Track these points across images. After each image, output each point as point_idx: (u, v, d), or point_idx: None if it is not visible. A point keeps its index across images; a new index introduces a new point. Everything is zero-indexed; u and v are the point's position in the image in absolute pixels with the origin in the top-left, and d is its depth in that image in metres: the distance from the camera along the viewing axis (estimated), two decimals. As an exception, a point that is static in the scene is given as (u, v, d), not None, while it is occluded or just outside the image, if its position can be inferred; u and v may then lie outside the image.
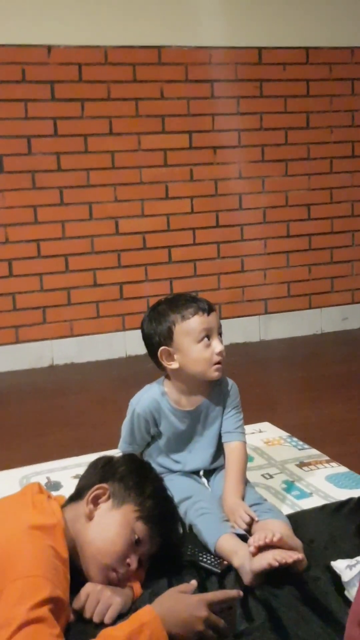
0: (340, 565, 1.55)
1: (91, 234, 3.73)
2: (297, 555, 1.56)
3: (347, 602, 1.47)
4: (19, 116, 3.54)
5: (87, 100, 3.64)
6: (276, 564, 1.52)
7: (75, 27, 3.57)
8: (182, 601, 1.35)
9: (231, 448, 1.94)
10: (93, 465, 1.66)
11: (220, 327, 1.91)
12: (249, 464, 2.23)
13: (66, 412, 3.04)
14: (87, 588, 1.48)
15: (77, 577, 1.48)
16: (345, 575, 1.51)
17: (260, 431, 2.62)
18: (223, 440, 1.96)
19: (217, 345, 1.87)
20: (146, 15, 3.67)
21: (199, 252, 3.94)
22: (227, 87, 3.87)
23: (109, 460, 1.65)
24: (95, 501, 1.54)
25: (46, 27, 3.52)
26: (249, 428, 2.51)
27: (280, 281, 4.13)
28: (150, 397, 1.94)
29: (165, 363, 1.89)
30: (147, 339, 1.92)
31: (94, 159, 3.69)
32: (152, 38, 3.69)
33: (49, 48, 3.54)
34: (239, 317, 4.04)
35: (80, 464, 2.25)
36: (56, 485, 2.21)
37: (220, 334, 1.90)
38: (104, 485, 1.56)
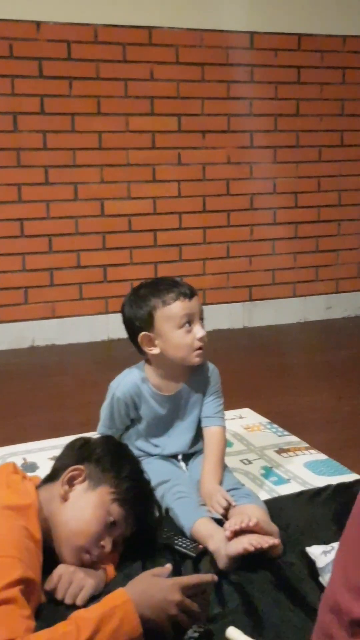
0: (315, 551, 1.55)
1: (76, 215, 3.69)
2: (273, 541, 1.55)
3: (321, 588, 1.46)
4: (5, 92, 3.49)
5: (75, 78, 3.59)
6: (251, 548, 1.51)
7: (65, 4, 3.52)
8: (156, 584, 1.33)
9: (210, 433, 1.93)
10: (70, 447, 1.64)
11: (202, 312, 1.88)
12: (228, 449, 2.22)
13: (46, 393, 3.01)
14: (60, 569, 1.47)
15: (51, 559, 1.46)
16: (320, 561, 1.51)
17: (241, 417, 2.61)
18: (202, 424, 1.95)
19: (198, 331, 1.85)
20: (138, -5, 3.62)
21: (185, 237, 3.91)
22: (218, 71, 3.83)
23: (86, 441, 1.63)
24: (71, 482, 1.52)
25: (36, 3, 3.46)
26: (229, 414, 2.50)
27: (266, 268, 4.11)
28: (130, 381, 1.92)
29: (146, 348, 1.87)
30: (128, 324, 1.90)
31: (81, 138, 3.64)
32: (143, 18, 3.65)
33: (38, 24, 3.49)
34: (223, 303, 4.03)
35: (57, 445, 2.22)
36: (32, 467, 2.20)
37: (202, 319, 1.88)
38: (80, 466, 1.54)
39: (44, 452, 2.28)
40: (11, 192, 3.57)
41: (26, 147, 3.56)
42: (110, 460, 1.56)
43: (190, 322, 1.84)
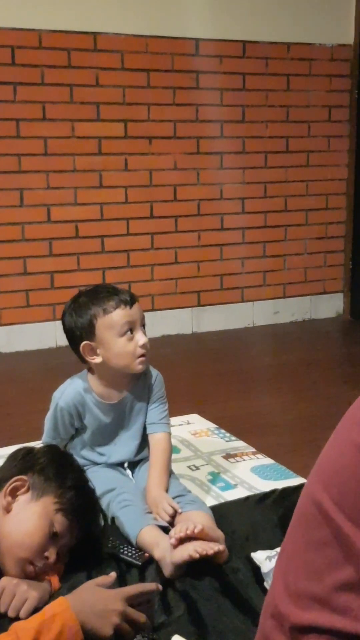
0: (260, 557, 1.55)
1: (22, 221, 3.65)
2: (218, 547, 1.55)
3: (266, 593, 1.46)
4: None
5: (20, 84, 3.55)
6: (197, 555, 1.51)
7: (9, 9, 3.48)
8: (98, 594, 1.32)
9: (156, 439, 1.92)
10: (12, 457, 1.61)
11: (143, 318, 1.88)
12: (175, 456, 2.22)
13: (-8, 402, 2.97)
14: (3, 582, 1.44)
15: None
16: (265, 567, 1.52)
17: (188, 423, 2.61)
18: (148, 431, 1.95)
19: (140, 338, 1.84)
20: (83, 1, 3.60)
21: (133, 243, 3.91)
22: (163, 77, 3.84)
23: (29, 451, 1.61)
24: (14, 493, 1.50)
25: (-22, 7, 3.42)
26: (177, 420, 2.51)
27: (214, 274, 4.13)
28: (73, 390, 1.90)
29: (88, 358, 1.86)
30: (69, 333, 1.88)
31: (26, 144, 3.61)
32: (88, 24, 3.63)
33: (-19, 28, 3.45)
34: (171, 309, 4.03)
35: (2, 455, 2.19)
36: (-23, 477, 2.15)
37: (143, 326, 1.87)
38: (23, 477, 1.52)
39: (-11, 463, 2.24)
40: None
41: (-30, 153, 3.51)
42: (54, 469, 1.54)
43: (132, 329, 1.83)
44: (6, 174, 3.58)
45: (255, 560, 1.56)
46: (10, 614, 1.41)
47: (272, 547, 1.59)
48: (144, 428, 1.95)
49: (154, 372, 1.97)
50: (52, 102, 3.63)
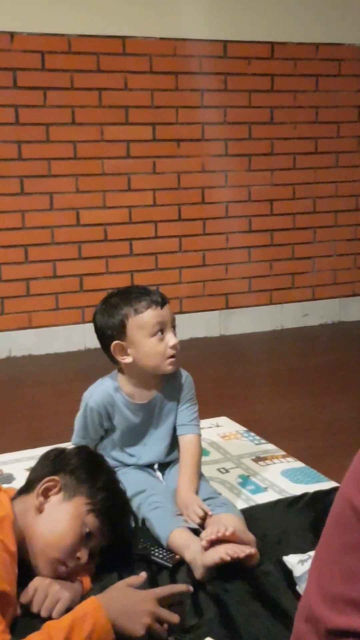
0: (292, 560, 1.54)
1: (52, 225, 3.68)
2: (249, 550, 1.55)
3: (298, 597, 1.46)
4: (-21, 103, 3.48)
5: (49, 89, 3.59)
6: (228, 558, 1.51)
7: (39, 15, 3.51)
8: (129, 594, 1.33)
9: (185, 441, 1.92)
10: (44, 457, 1.62)
11: (174, 319, 1.88)
12: (205, 458, 2.21)
13: (22, 404, 2.99)
14: (35, 582, 1.45)
15: (26, 571, 1.45)
16: (297, 570, 1.51)
17: (217, 425, 2.61)
18: (177, 433, 1.94)
19: (171, 339, 1.84)
20: (111, 5, 3.62)
21: (161, 245, 3.92)
22: (192, 79, 3.85)
23: (60, 452, 1.62)
24: (46, 493, 1.51)
25: (9, 14, 3.46)
26: (206, 422, 2.51)
27: (242, 276, 4.13)
28: (103, 390, 1.91)
29: (118, 357, 1.86)
30: (100, 333, 1.89)
31: (56, 148, 3.64)
32: (117, 28, 3.65)
33: (12, 35, 3.48)
34: (199, 311, 4.03)
35: (34, 456, 2.19)
36: (9, 478, 2.18)
37: (174, 327, 1.88)
38: (55, 477, 1.53)
39: (20, 463, 2.26)
40: (-14, 203, 3.56)
41: (1, 158, 3.55)
42: (86, 470, 1.55)
43: (162, 330, 1.83)
44: (36, 178, 3.61)
45: (287, 564, 1.55)
46: (43, 613, 1.41)
47: (304, 551, 1.57)
48: (174, 429, 1.95)
49: (184, 373, 1.97)
50: (81, 107, 3.65)
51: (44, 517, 1.49)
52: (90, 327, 1.94)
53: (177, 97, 3.83)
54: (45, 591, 1.43)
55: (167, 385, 1.93)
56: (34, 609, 1.42)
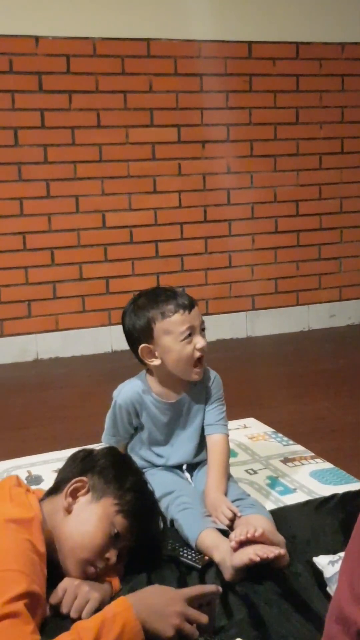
0: (322, 561, 1.53)
1: (77, 227, 3.70)
2: (279, 551, 1.53)
3: (329, 598, 1.44)
4: (5, 107, 3.51)
5: (74, 92, 3.60)
6: (257, 559, 1.50)
7: (63, 18, 3.54)
8: (159, 594, 1.32)
9: (213, 441, 1.91)
10: (72, 458, 1.63)
11: (202, 322, 1.87)
12: (233, 460, 2.21)
13: (49, 406, 3.00)
14: (65, 583, 1.45)
15: (55, 572, 1.45)
16: (327, 572, 1.49)
17: (245, 427, 2.60)
18: (205, 433, 1.94)
19: (199, 341, 1.83)
20: (135, 7, 3.64)
21: (187, 247, 3.91)
22: (216, 81, 3.84)
23: (88, 453, 1.62)
24: (74, 494, 1.51)
25: (34, 18, 3.48)
26: (233, 423, 2.50)
27: (268, 277, 4.11)
28: (131, 388, 1.91)
29: (146, 360, 1.86)
30: (128, 335, 1.89)
31: (81, 151, 3.65)
32: (141, 30, 3.66)
33: (37, 39, 3.51)
34: (226, 313, 4.02)
35: (61, 458, 2.19)
36: (37, 479, 2.19)
37: (203, 330, 1.87)
38: (83, 478, 1.53)
39: (48, 465, 2.27)
40: (13, 206, 3.58)
41: (27, 161, 3.57)
42: (114, 471, 1.55)
43: (190, 334, 1.83)
44: (62, 181, 3.63)
45: (317, 564, 1.54)
46: (73, 614, 1.41)
47: (334, 552, 1.56)
48: (202, 430, 1.94)
49: (213, 373, 1.96)
50: (107, 109, 3.67)
51: (73, 518, 1.49)
52: (116, 329, 1.95)
53: (202, 99, 3.83)
54: (74, 592, 1.43)
55: (195, 385, 1.93)
56: (64, 609, 1.42)
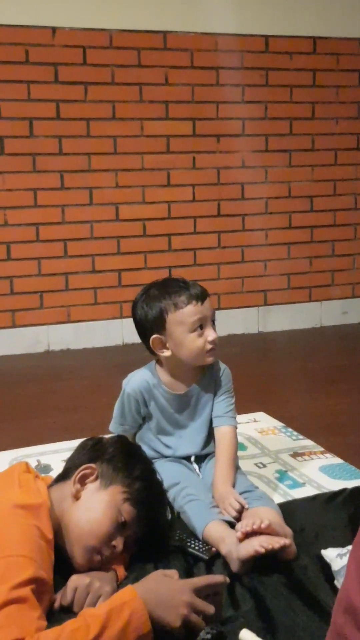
0: (330, 554, 1.52)
1: (91, 220, 3.70)
2: (284, 541, 1.52)
3: (336, 592, 1.43)
4: (21, 98, 3.51)
5: (90, 83, 3.60)
6: (262, 550, 1.49)
7: (80, 10, 3.53)
8: (166, 584, 1.32)
9: (221, 433, 1.91)
10: (82, 446, 1.63)
11: (213, 314, 1.87)
12: (242, 453, 2.20)
13: (60, 397, 3.01)
14: (74, 582, 1.42)
15: (62, 558, 1.45)
16: (336, 564, 1.48)
17: (255, 420, 2.59)
18: (214, 424, 1.93)
19: (210, 334, 1.83)
20: (152, 0, 3.62)
21: (200, 241, 3.90)
22: (233, 74, 3.83)
23: (98, 440, 1.63)
24: (83, 481, 1.51)
25: (51, 9, 3.48)
26: (243, 417, 2.49)
27: (281, 273, 4.09)
28: (140, 377, 1.91)
29: (157, 351, 1.86)
30: (139, 324, 1.89)
31: (96, 143, 3.65)
32: (158, 23, 3.65)
33: (54, 30, 3.50)
34: (238, 307, 4.01)
35: (71, 448, 2.18)
36: (46, 469, 2.19)
37: (213, 321, 1.86)
38: (92, 465, 1.53)
39: (57, 454, 2.27)
40: (27, 197, 3.58)
41: (42, 152, 3.57)
42: (123, 459, 1.55)
43: (202, 325, 1.82)
44: (76, 173, 3.63)
45: (325, 557, 1.53)
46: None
47: (342, 545, 1.55)
48: (211, 422, 1.94)
49: (222, 365, 1.96)
50: (122, 102, 3.66)
51: (81, 504, 1.49)
52: (128, 322, 1.95)
53: (218, 92, 3.82)
54: (86, 590, 1.40)
55: (204, 377, 1.92)
56: (76, 609, 1.38)
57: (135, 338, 1.95)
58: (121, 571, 1.51)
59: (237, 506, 1.70)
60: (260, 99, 3.90)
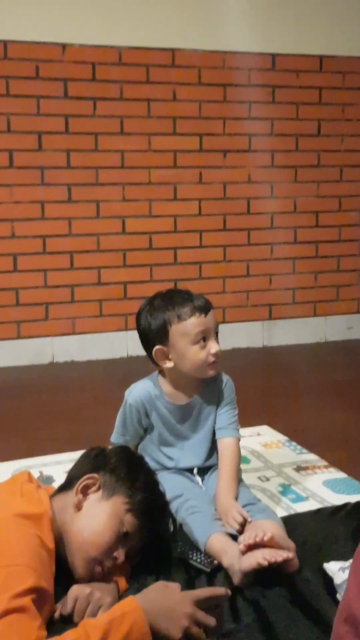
0: (333, 568, 1.52)
1: (97, 232, 3.72)
2: (287, 554, 1.52)
3: (338, 605, 1.43)
4: (31, 112, 3.54)
5: (99, 99, 3.64)
6: (265, 563, 1.49)
7: (90, 27, 3.57)
8: (167, 595, 1.31)
9: (224, 445, 1.90)
10: (85, 456, 1.63)
11: (217, 326, 1.87)
12: (245, 466, 2.20)
13: (64, 408, 3.01)
14: (75, 592, 1.41)
15: (63, 569, 1.44)
16: (338, 578, 1.48)
17: (259, 434, 2.59)
18: (216, 436, 1.93)
19: (213, 346, 1.83)
20: (161, 17, 3.67)
21: (205, 255, 3.92)
22: (240, 91, 3.86)
23: (101, 450, 1.63)
24: (85, 491, 1.51)
25: (62, 25, 3.52)
26: (247, 431, 2.49)
27: (286, 287, 4.10)
28: (142, 388, 1.92)
29: (160, 362, 1.87)
30: (142, 335, 1.89)
31: (104, 157, 3.68)
32: (167, 40, 3.69)
33: (64, 46, 3.54)
34: (243, 321, 4.02)
35: (73, 459, 2.18)
36: (48, 480, 2.19)
37: (216, 334, 1.87)
38: (95, 475, 1.53)
39: (60, 466, 2.27)
40: (35, 210, 3.61)
41: (50, 166, 3.61)
42: (125, 470, 1.55)
43: (205, 337, 1.83)
44: (84, 186, 3.66)
45: (328, 571, 1.53)
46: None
47: (345, 559, 1.54)
48: (214, 434, 1.94)
49: (225, 377, 1.96)
50: (130, 117, 3.69)
51: (83, 514, 1.49)
52: (133, 334, 1.95)
53: (225, 109, 3.85)
54: (86, 600, 1.40)
55: (207, 388, 1.93)
56: (77, 619, 1.38)
57: (140, 351, 1.96)
58: (122, 582, 1.50)
59: (240, 519, 1.69)
60: (266, 115, 3.92)
